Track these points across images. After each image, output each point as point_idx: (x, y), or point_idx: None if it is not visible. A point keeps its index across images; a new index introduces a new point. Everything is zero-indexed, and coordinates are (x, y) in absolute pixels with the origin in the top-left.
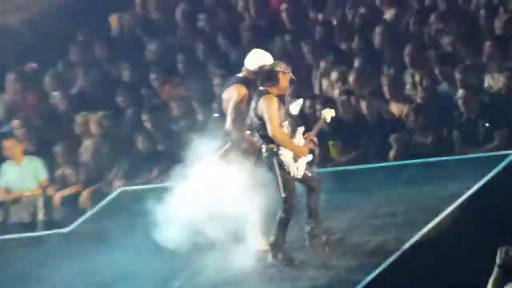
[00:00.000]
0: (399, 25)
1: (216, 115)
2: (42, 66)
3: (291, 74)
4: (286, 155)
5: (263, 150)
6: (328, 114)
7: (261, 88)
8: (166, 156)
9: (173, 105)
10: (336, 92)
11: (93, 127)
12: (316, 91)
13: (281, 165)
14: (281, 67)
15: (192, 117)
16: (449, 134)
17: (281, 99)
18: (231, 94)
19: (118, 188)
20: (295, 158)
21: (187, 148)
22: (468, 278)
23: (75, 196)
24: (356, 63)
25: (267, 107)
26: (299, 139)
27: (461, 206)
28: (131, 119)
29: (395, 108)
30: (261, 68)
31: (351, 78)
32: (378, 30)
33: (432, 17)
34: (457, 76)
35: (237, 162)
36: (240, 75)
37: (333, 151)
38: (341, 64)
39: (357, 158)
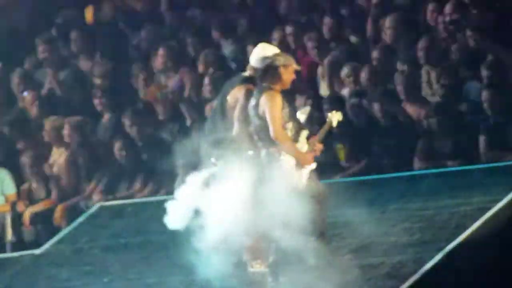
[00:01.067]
0: (414, 14)
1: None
2: (8, 65)
3: (294, 66)
4: (287, 161)
5: (263, 155)
6: (335, 117)
7: (263, 84)
8: (151, 166)
9: (158, 108)
10: (345, 92)
11: (66, 134)
12: (322, 91)
13: (281, 172)
14: (280, 60)
15: (179, 122)
16: (474, 139)
17: (289, 96)
18: (237, 96)
19: (97, 203)
20: (298, 166)
21: (174, 157)
22: None
23: (48, 213)
24: (372, 57)
25: (270, 106)
26: (303, 144)
27: (488, 221)
28: (110, 124)
29: (412, 110)
30: (261, 62)
31: (362, 75)
32: (390, 20)
33: (449, 5)
34: (483, 73)
35: (236, 173)
36: (245, 74)
37: (341, 154)
38: (351, 60)
39: (369, 167)
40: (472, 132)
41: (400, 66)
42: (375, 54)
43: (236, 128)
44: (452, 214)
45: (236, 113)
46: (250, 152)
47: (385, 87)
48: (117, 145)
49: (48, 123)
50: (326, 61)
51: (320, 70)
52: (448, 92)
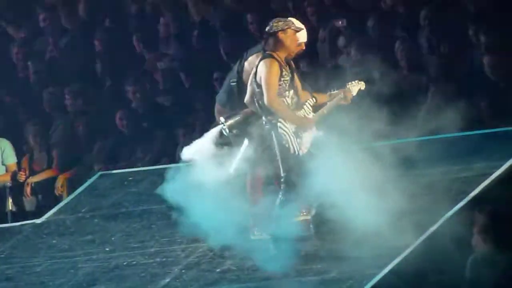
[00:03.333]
0: None
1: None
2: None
3: (293, 28)
4: (286, 128)
5: (263, 122)
6: (356, 87)
7: (266, 51)
8: (152, 135)
9: (158, 77)
10: (343, 60)
11: (68, 103)
12: (323, 60)
13: (280, 139)
14: (278, 25)
15: (179, 91)
16: (476, 105)
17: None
18: (254, 63)
19: (98, 172)
20: (297, 133)
21: (176, 125)
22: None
23: (49, 183)
24: (369, 24)
25: (265, 73)
26: (307, 111)
27: (489, 187)
28: (111, 92)
29: (412, 78)
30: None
31: (357, 43)
32: None
33: None
34: (483, 38)
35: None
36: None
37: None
38: (352, 28)
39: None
40: (473, 97)
41: (399, 33)
42: (371, 22)
43: (248, 93)
44: (453, 181)
45: (250, 79)
46: (263, 121)
47: (383, 55)
48: (118, 114)
49: (47, 93)
50: (326, 29)
51: (319, 36)
52: (449, 58)
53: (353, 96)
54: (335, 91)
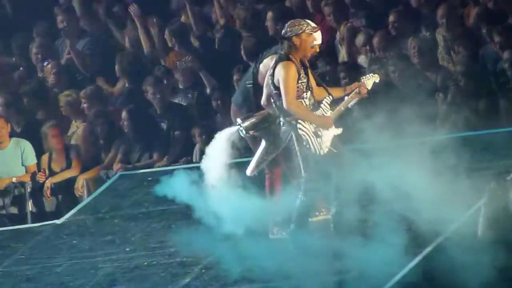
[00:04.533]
0: None
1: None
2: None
3: (307, 31)
4: (306, 128)
5: (281, 123)
6: (370, 80)
7: (280, 52)
8: (171, 135)
9: (177, 76)
10: (362, 59)
11: (85, 107)
12: (341, 57)
13: (300, 140)
14: (292, 30)
15: (199, 90)
16: (495, 103)
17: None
18: (269, 65)
19: (117, 173)
20: (317, 133)
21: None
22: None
23: (69, 183)
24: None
25: (283, 75)
26: (325, 110)
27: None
28: (129, 92)
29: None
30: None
31: (377, 41)
32: None
33: None
34: (496, 39)
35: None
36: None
37: None
38: (370, 26)
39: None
40: (492, 95)
41: (417, 31)
42: (391, 18)
43: (264, 95)
44: (473, 179)
45: (266, 81)
46: (281, 122)
47: (400, 52)
48: (126, 113)
49: (63, 98)
50: (345, 28)
51: (338, 35)
52: (467, 56)
53: (368, 90)
54: (350, 86)
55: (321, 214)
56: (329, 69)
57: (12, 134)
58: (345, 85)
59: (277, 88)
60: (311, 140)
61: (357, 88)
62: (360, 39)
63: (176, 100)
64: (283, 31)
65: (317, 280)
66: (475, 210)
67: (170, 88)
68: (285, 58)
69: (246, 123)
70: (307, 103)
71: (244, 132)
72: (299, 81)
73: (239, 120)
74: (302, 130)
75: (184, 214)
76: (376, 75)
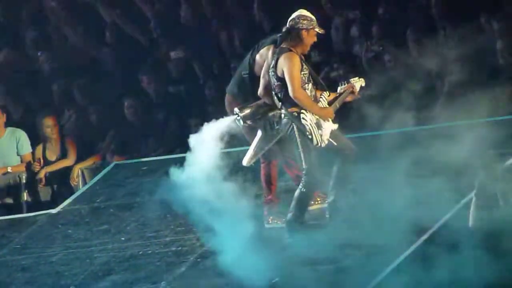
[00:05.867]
0: None
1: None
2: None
3: (316, 29)
4: (308, 120)
5: (282, 115)
6: (358, 83)
7: (283, 46)
8: (166, 125)
9: (170, 66)
10: (357, 48)
11: (77, 97)
12: (336, 49)
13: (302, 132)
14: (303, 23)
15: (192, 80)
16: (490, 91)
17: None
18: (266, 55)
19: (112, 162)
20: (319, 125)
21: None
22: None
23: (64, 173)
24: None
25: (288, 66)
26: (324, 104)
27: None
28: (123, 81)
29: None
30: (287, 24)
31: (374, 30)
32: None
33: None
34: (495, 25)
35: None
36: (279, 35)
37: None
38: (365, 16)
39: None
40: (488, 84)
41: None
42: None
43: (261, 86)
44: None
45: (263, 71)
46: (282, 114)
47: (396, 41)
48: (127, 103)
49: (55, 90)
50: (339, 19)
51: (333, 25)
52: (463, 45)
53: (358, 92)
54: (344, 86)
55: (317, 203)
56: (322, 58)
57: (7, 124)
58: (337, 76)
59: (280, 79)
60: (313, 131)
61: (351, 89)
62: (354, 31)
63: (171, 90)
64: (291, 21)
65: (311, 269)
66: (467, 201)
67: (165, 77)
68: (287, 49)
69: (244, 113)
70: (309, 94)
71: (241, 121)
72: (301, 73)
73: (236, 110)
74: (305, 120)
75: (179, 203)
76: (362, 79)
